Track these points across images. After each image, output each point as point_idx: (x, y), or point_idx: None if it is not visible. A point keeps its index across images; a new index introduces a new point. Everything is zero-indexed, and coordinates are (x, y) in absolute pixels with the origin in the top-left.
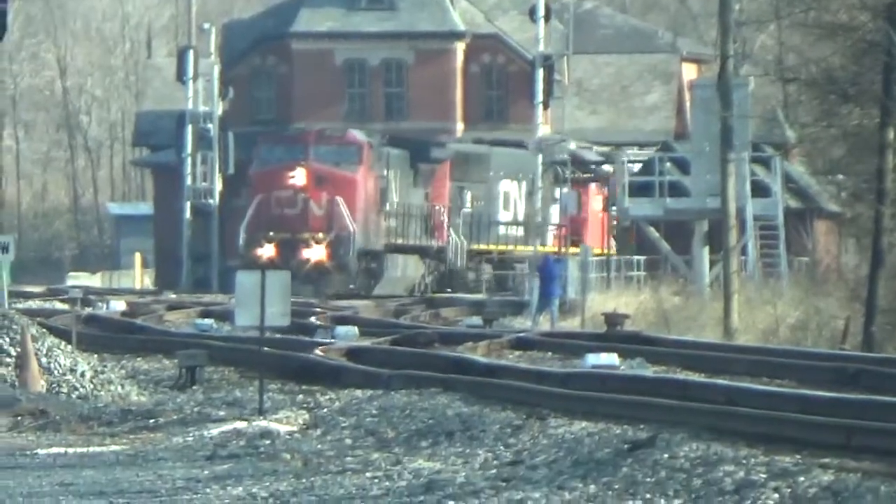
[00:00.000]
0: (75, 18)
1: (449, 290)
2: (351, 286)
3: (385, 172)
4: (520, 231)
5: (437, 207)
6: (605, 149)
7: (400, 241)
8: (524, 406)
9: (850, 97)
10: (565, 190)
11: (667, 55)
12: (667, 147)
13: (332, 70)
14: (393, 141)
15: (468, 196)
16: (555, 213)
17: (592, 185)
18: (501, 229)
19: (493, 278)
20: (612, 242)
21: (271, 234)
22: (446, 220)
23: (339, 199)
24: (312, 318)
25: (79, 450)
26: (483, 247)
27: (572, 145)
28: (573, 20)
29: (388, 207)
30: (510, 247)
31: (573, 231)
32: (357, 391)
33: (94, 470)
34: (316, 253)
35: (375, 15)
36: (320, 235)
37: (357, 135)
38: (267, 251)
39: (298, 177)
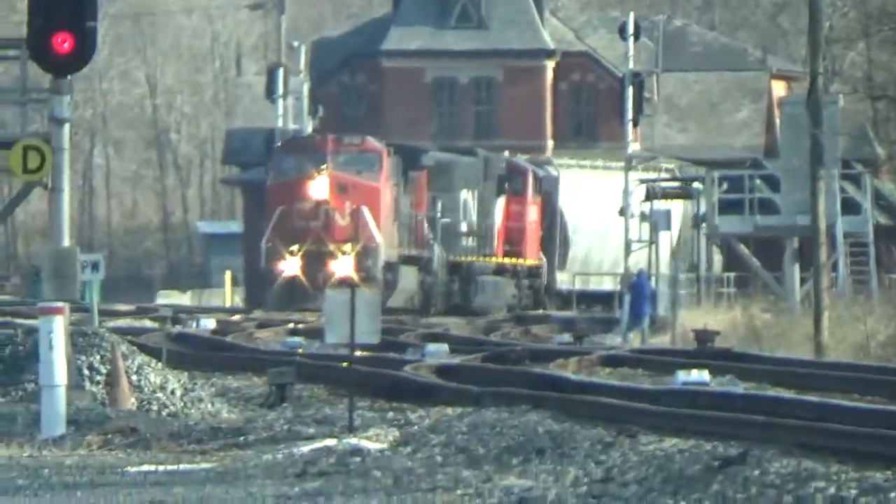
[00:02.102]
0: (165, 36)
1: (433, 305)
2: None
3: (396, 181)
4: (474, 241)
5: (420, 217)
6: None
7: (404, 251)
8: (614, 423)
9: None
10: (657, 207)
11: (756, 72)
12: (756, 164)
13: (421, 88)
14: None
15: (439, 206)
16: (497, 222)
17: (529, 195)
18: (462, 240)
19: (459, 290)
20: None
21: (294, 247)
22: (428, 230)
23: (365, 209)
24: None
25: (169, 467)
26: (456, 258)
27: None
28: (662, 38)
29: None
30: (472, 258)
31: (512, 242)
32: (447, 409)
33: (184, 487)
34: (343, 265)
35: (465, 33)
36: (347, 247)
37: (375, 142)
38: (291, 265)
39: (320, 187)
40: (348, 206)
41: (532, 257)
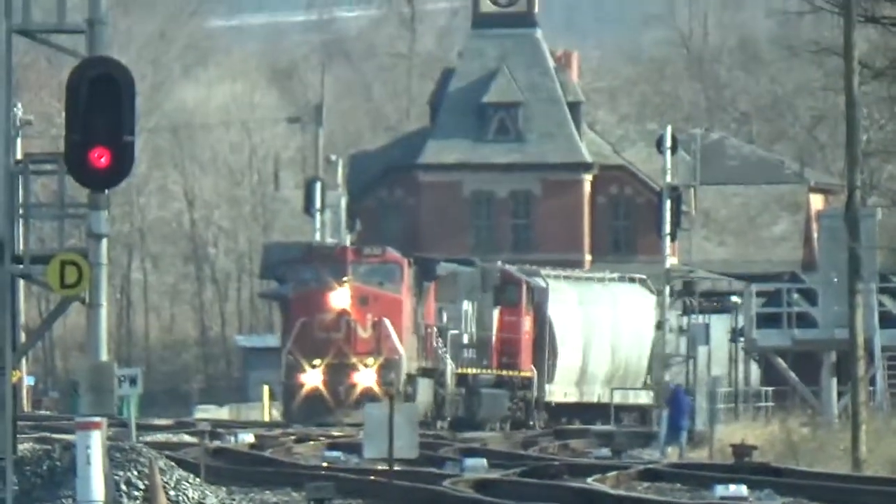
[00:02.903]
0: (202, 150)
1: (447, 418)
2: None
3: (415, 291)
4: (473, 353)
5: (431, 328)
6: (733, 280)
7: (421, 363)
8: None
9: None
10: (694, 322)
11: (794, 185)
12: (794, 278)
13: (459, 201)
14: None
15: (444, 316)
16: (493, 333)
17: (523, 305)
18: (464, 351)
19: (461, 401)
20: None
21: (317, 360)
22: (439, 341)
23: (387, 321)
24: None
25: None
26: (461, 370)
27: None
28: (700, 151)
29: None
30: (475, 370)
31: (506, 353)
32: None
33: None
34: (365, 378)
35: (503, 146)
36: (370, 360)
37: (396, 253)
38: (313, 378)
39: (341, 298)
40: (370, 317)
41: (525, 369)
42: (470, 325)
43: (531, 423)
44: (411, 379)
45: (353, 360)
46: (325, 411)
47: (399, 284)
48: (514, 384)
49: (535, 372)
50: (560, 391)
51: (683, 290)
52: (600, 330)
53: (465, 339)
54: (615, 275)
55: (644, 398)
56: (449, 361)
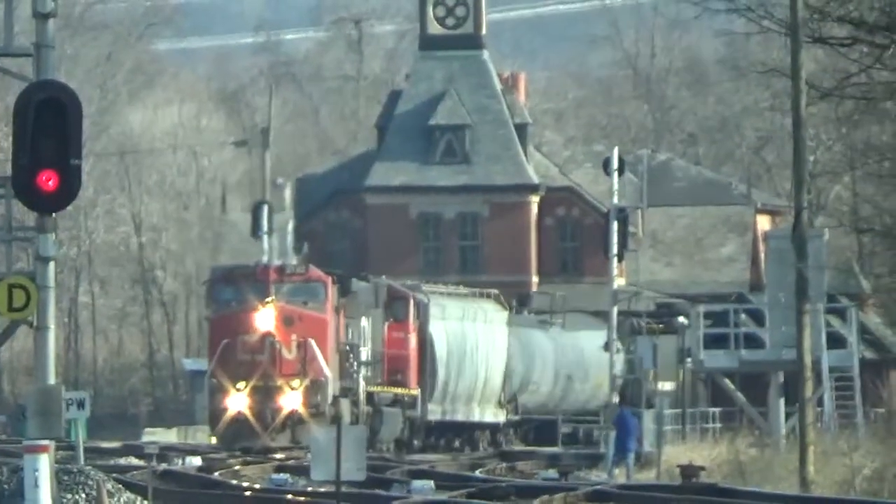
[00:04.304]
0: (150, 174)
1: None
2: None
3: (337, 310)
4: (370, 370)
5: (343, 346)
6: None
7: (343, 383)
8: None
9: None
10: (641, 342)
11: (741, 207)
12: (742, 298)
13: (406, 223)
14: None
15: (350, 334)
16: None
17: (410, 322)
18: (364, 369)
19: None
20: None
21: (241, 383)
22: (352, 359)
23: (312, 342)
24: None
25: None
26: (369, 388)
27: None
28: (647, 172)
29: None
30: (377, 388)
31: (395, 370)
32: None
33: None
34: (291, 401)
35: (450, 168)
36: (296, 382)
37: (319, 271)
38: (237, 402)
39: (266, 319)
40: (294, 338)
41: (413, 386)
42: (367, 341)
43: (415, 442)
44: (335, 400)
45: (279, 382)
46: (250, 435)
47: (323, 304)
48: (404, 402)
49: (419, 389)
50: (438, 409)
51: (630, 311)
52: (471, 347)
53: (364, 356)
54: (471, 290)
55: (500, 416)
56: (361, 380)
